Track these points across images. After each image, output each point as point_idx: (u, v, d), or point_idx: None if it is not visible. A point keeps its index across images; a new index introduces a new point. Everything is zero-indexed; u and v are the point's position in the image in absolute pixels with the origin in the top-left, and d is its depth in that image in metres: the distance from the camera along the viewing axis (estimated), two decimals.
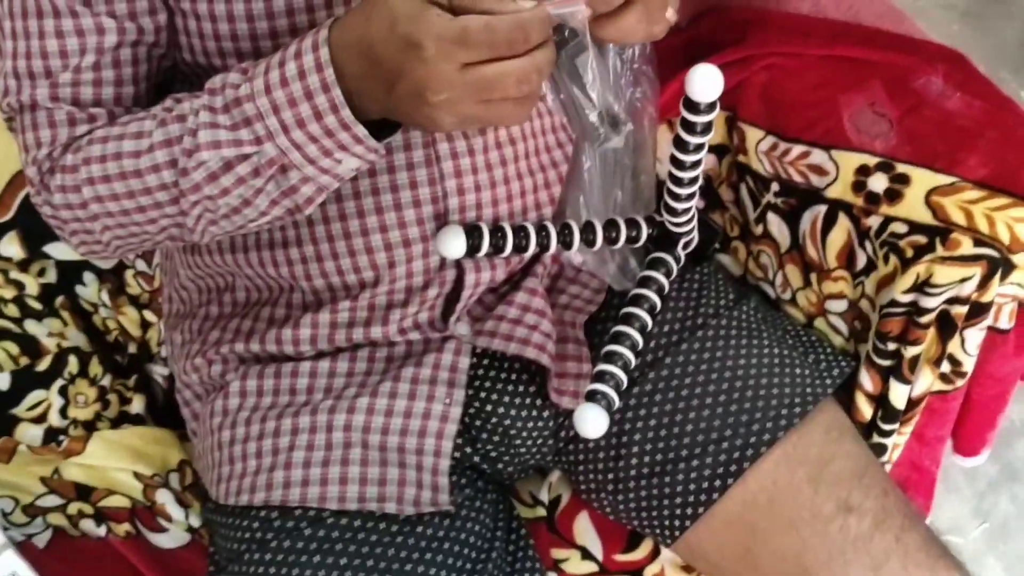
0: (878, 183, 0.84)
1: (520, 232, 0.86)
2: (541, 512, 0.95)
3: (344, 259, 0.84)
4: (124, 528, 0.91)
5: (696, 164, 0.81)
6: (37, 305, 1.07)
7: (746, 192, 0.97)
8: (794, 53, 0.89)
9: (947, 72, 0.88)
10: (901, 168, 0.83)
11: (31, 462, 0.95)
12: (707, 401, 0.86)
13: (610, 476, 0.89)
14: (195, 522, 0.95)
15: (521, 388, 0.89)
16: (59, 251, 1.08)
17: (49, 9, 0.78)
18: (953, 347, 0.86)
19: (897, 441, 0.91)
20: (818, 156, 0.88)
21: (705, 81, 0.72)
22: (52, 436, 0.99)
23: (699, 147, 0.79)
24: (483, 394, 0.89)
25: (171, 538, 0.93)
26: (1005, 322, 0.87)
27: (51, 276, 1.08)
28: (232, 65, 0.79)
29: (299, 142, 0.69)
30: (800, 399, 0.86)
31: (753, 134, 0.93)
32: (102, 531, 0.91)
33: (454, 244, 0.82)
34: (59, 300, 1.08)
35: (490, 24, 0.62)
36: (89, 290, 1.10)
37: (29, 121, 0.80)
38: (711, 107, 0.74)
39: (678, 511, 0.86)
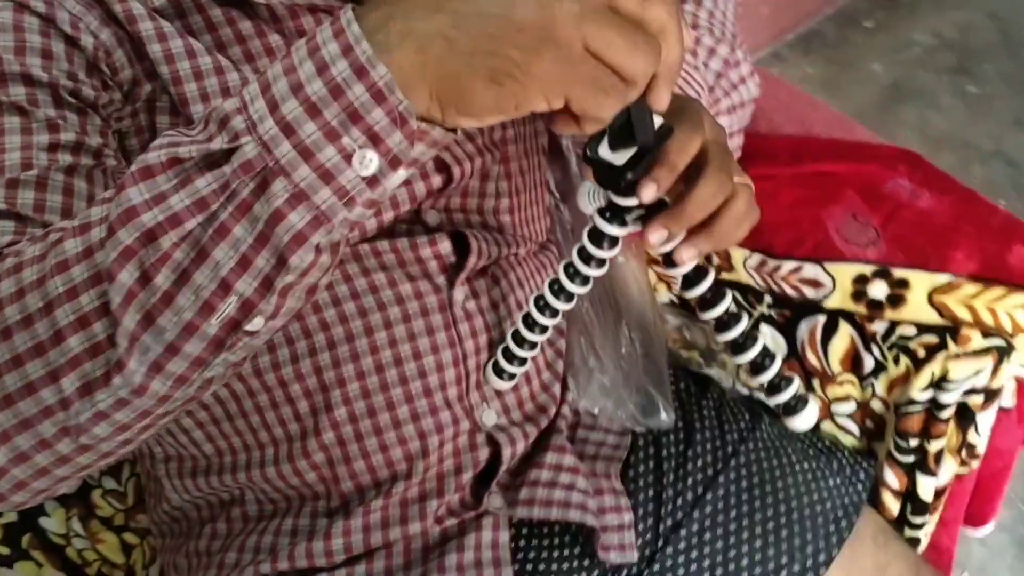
0: (879, 290, 0.87)
1: None
2: None
3: (376, 455, 0.80)
4: None
5: None
6: (5, 550, 0.97)
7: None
8: (765, 176, 0.92)
9: (909, 172, 0.93)
10: (899, 273, 0.87)
11: None
12: (756, 531, 0.86)
13: None
14: None
15: (566, 552, 0.86)
16: None
17: None
18: (968, 432, 0.89)
19: (928, 531, 0.94)
20: (811, 270, 0.91)
21: None
22: None
23: None
24: (529, 566, 0.85)
25: None
26: (1009, 400, 0.91)
27: (11, 514, 0.99)
28: None
29: (295, 117, 0.48)
30: (843, 512, 0.87)
31: (738, 253, 0.95)
32: None
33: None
34: (26, 539, 0.98)
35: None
36: (54, 521, 1.00)
37: None
38: None
39: None
